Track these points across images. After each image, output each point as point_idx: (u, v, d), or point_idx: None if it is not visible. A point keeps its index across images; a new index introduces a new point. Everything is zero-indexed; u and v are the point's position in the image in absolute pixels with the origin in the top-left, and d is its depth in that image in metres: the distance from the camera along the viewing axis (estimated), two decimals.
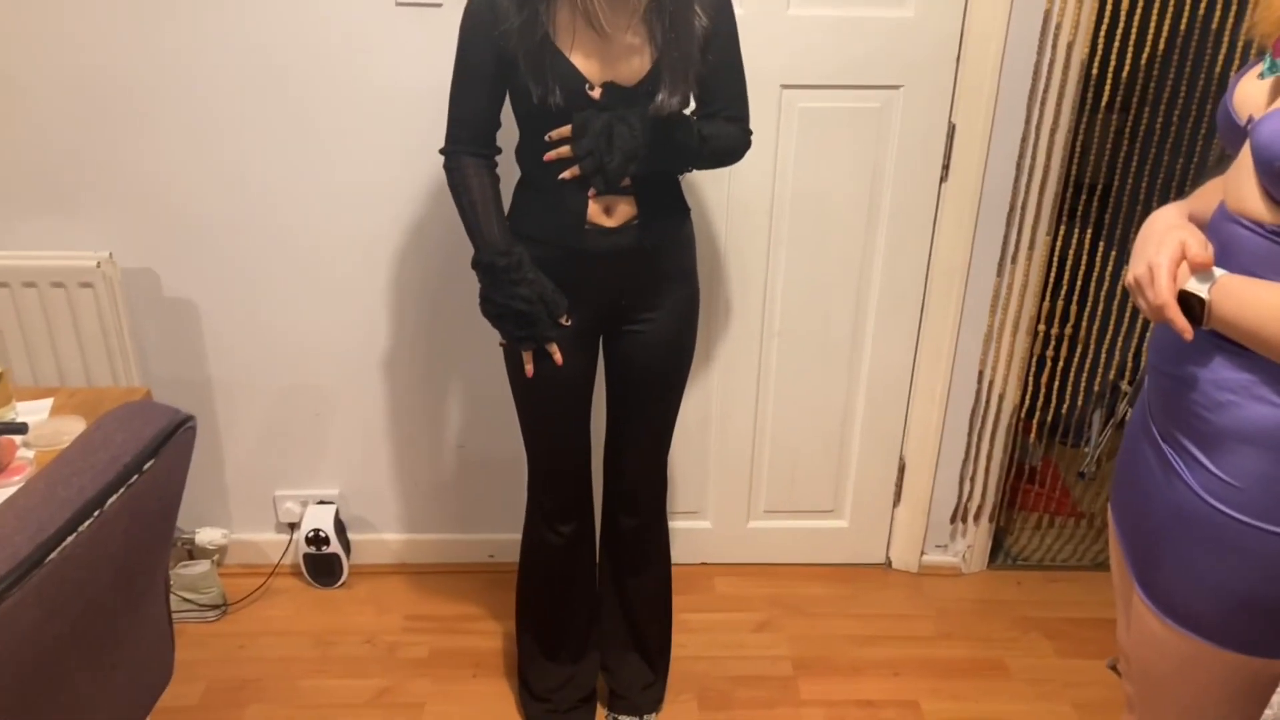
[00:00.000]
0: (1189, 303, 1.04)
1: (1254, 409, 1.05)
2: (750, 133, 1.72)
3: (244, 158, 2.07)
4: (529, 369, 1.67)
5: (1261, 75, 1.05)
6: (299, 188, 2.10)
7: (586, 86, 1.52)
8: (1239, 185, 1.06)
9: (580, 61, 1.52)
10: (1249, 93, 1.08)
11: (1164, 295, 1.04)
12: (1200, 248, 1.06)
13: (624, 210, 1.63)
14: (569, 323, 1.65)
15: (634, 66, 1.54)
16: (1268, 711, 1.08)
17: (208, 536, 2.38)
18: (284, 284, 2.19)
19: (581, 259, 1.63)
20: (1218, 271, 1.05)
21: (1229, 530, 1.07)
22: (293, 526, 2.41)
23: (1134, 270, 1.10)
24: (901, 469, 2.46)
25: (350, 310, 2.23)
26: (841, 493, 2.49)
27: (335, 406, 2.32)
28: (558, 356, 1.66)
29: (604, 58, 1.53)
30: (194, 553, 2.38)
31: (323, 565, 2.38)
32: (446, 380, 2.31)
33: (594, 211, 1.61)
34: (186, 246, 2.14)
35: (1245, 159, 1.05)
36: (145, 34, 1.97)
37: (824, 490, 2.48)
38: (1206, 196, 1.20)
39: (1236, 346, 1.05)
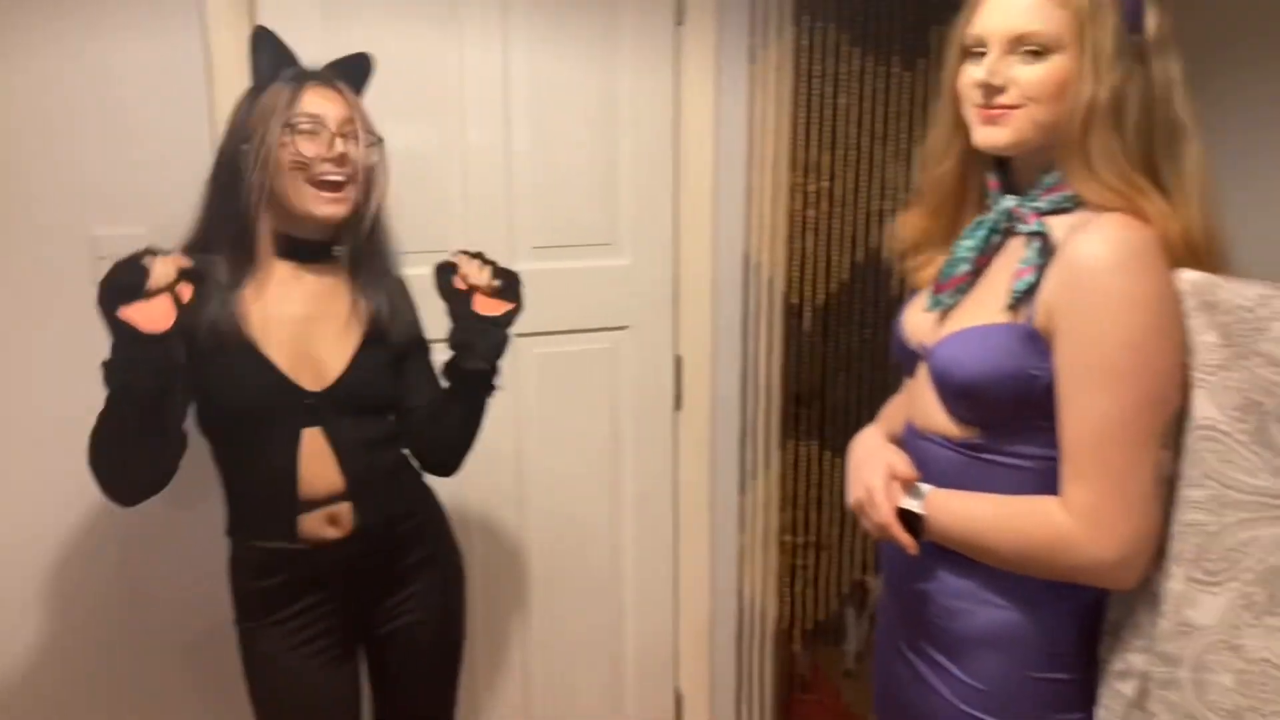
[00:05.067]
0: (907, 519, 1.12)
1: (985, 613, 1.12)
2: None
3: None
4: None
5: (927, 309, 1.19)
6: None
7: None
8: (923, 405, 1.18)
9: None
10: (918, 321, 1.22)
11: (885, 514, 1.11)
12: (905, 465, 1.15)
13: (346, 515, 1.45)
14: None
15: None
16: None
17: None
18: None
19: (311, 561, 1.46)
20: (924, 487, 1.13)
21: None
22: None
23: (854, 494, 1.18)
24: (679, 702, 2.39)
25: None
26: None
27: None
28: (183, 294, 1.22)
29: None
30: None
31: None
32: None
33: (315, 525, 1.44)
34: None
35: (924, 380, 1.17)
36: None
37: None
38: (893, 416, 1.32)
39: (957, 555, 1.12)
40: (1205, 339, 0.97)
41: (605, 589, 2.28)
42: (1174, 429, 1.01)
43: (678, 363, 2.23)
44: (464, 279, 1.48)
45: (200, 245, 1.40)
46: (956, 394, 1.11)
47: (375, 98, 1.93)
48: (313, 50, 1.87)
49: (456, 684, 1.68)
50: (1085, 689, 1.10)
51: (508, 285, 1.50)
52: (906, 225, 1.24)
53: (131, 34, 1.71)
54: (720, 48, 2.10)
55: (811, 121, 2.20)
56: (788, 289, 2.26)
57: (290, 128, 1.36)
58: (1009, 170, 1.15)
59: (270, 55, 1.42)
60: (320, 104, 1.38)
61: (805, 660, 2.57)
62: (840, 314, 2.33)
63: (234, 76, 1.77)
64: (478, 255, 1.51)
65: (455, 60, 1.95)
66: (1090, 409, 0.99)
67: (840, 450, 2.41)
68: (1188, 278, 1.00)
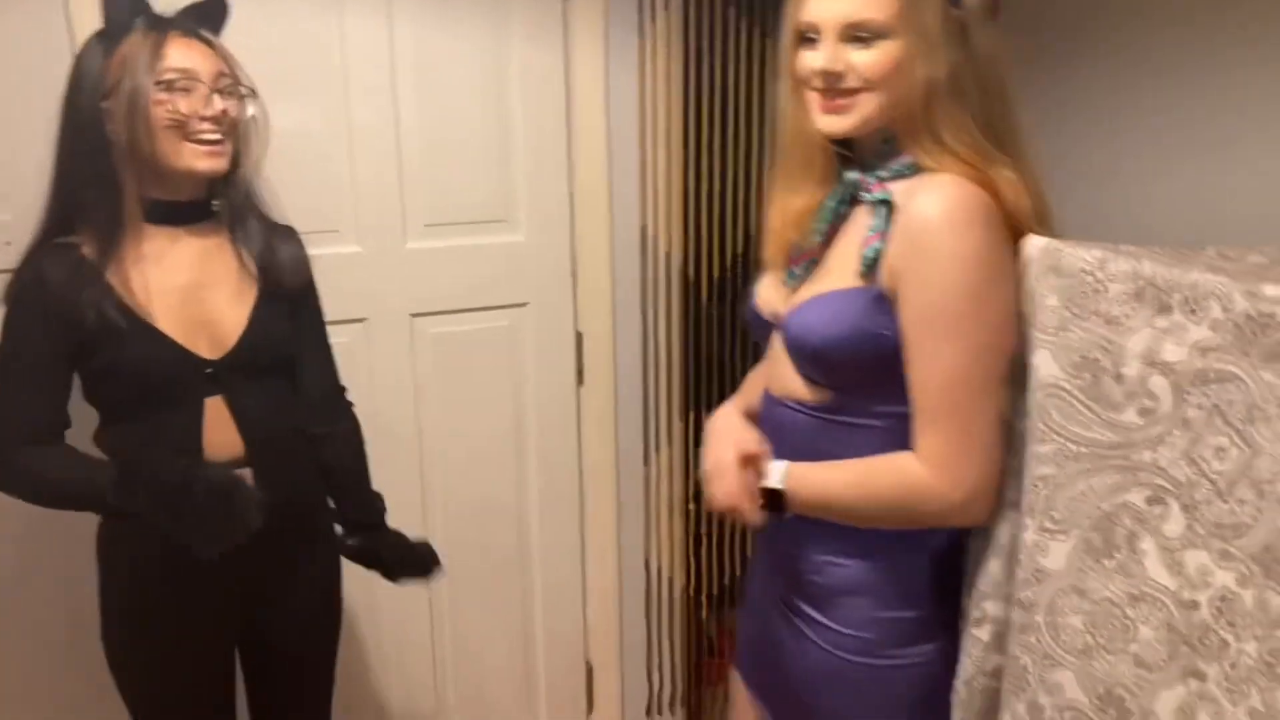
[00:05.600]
0: (771, 496, 1.17)
1: (850, 565, 1.19)
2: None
3: None
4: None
5: (785, 283, 1.24)
6: None
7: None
8: (779, 373, 1.23)
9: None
10: (771, 293, 1.27)
11: (730, 488, 1.16)
12: (755, 444, 1.19)
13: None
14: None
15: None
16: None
17: None
18: None
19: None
20: (779, 464, 1.18)
21: (864, 674, 1.19)
22: None
23: (705, 465, 1.23)
24: (590, 673, 2.42)
25: None
26: (534, 710, 2.39)
27: None
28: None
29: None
30: None
31: None
32: None
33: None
34: None
35: (778, 349, 1.22)
36: None
37: (516, 711, 2.37)
38: (752, 388, 1.38)
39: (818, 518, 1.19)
40: (1048, 302, 1.02)
41: (512, 566, 2.29)
42: (1015, 376, 1.07)
43: (579, 338, 2.24)
44: None
45: (63, 222, 1.33)
46: (811, 358, 1.16)
47: (253, 74, 1.89)
48: None
49: (333, 676, 1.66)
50: (938, 621, 1.18)
51: None
52: (780, 207, 1.26)
53: None
54: (609, 22, 2.10)
55: (702, 97, 2.22)
56: (685, 263, 2.29)
57: (166, 85, 1.28)
58: (851, 144, 1.19)
59: (119, 2, 1.31)
60: (189, 56, 1.31)
61: (712, 624, 2.63)
62: (736, 286, 2.37)
63: None
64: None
65: (337, 34, 1.91)
66: (935, 358, 1.06)
67: None
68: (1036, 244, 1.05)
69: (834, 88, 1.10)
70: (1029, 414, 1.05)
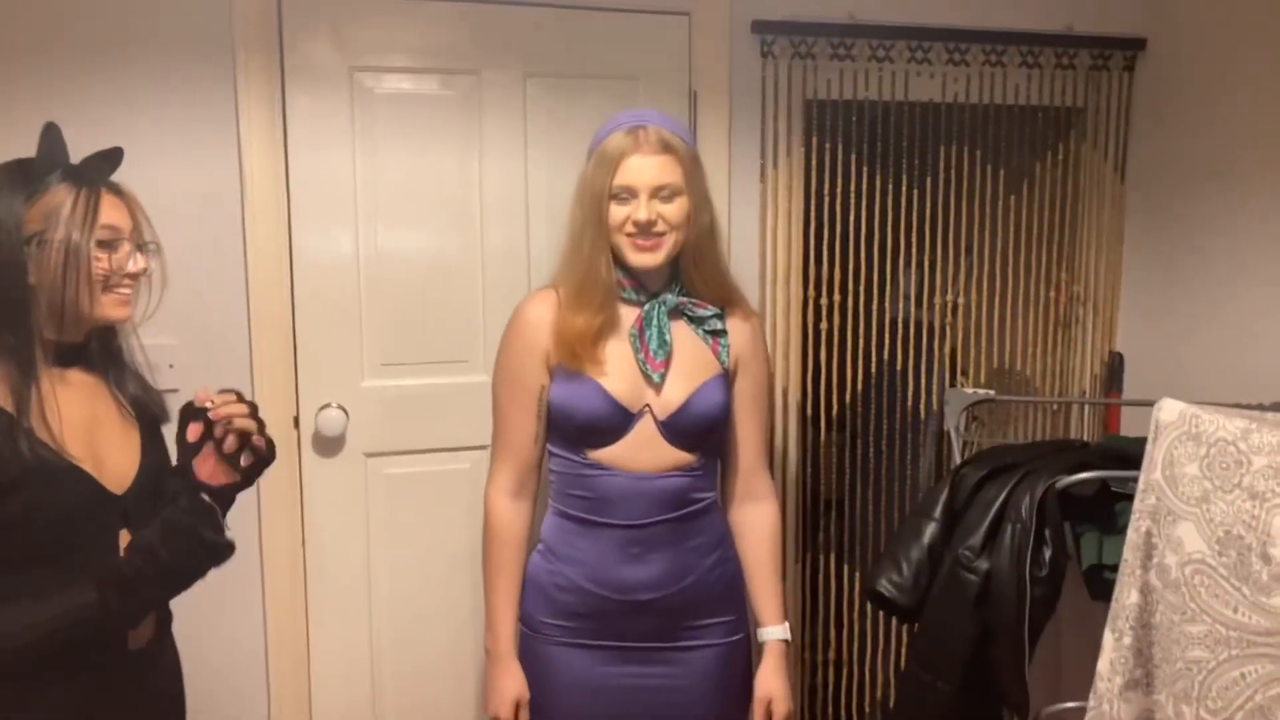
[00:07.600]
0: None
1: (730, 563, 1.70)
2: None
3: None
4: None
5: (655, 381, 1.58)
6: None
7: None
8: (647, 452, 1.57)
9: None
10: (625, 390, 1.57)
11: None
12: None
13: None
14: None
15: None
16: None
17: None
18: None
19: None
20: (776, 630, 1.70)
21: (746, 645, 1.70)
22: None
23: None
24: None
25: None
26: None
27: None
28: None
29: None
30: None
31: None
32: None
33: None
34: None
35: (648, 433, 1.57)
36: None
37: None
38: (510, 602, 1.65)
39: (700, 533, 1.63)
40: (1187, 471, 0.97)
41: None
42: None
43: None
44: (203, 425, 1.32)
45: None
46: (708, 428, 1.60)
47: (402, 211, 2.04)
48: (343, 175, 1.99)
49: None
50: None
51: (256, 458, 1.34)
52: (567, 322, 1.56)
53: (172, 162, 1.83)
54: (732, 168, 2.18)
55: (823, 237, 2.25)
56: (803, 401, 2.28)
57: (104, 245, 1.27)
58: (638, 278, 1.60)
59: (54, 150, 1.29)
60: (115, 214, 1.30)
61: None
62: (856, 424, 2.34)
63: (269, 201, 1.88)
64: (250, 404, 1.33)
65: (476, 172, 2.05)
66: (764, 414, 1.73)
67: (859, 563, 2.39)
68: (1171, 408, 1.01)
69: (647, 232, 1.53)
70: (1177, 588, 0.98)
